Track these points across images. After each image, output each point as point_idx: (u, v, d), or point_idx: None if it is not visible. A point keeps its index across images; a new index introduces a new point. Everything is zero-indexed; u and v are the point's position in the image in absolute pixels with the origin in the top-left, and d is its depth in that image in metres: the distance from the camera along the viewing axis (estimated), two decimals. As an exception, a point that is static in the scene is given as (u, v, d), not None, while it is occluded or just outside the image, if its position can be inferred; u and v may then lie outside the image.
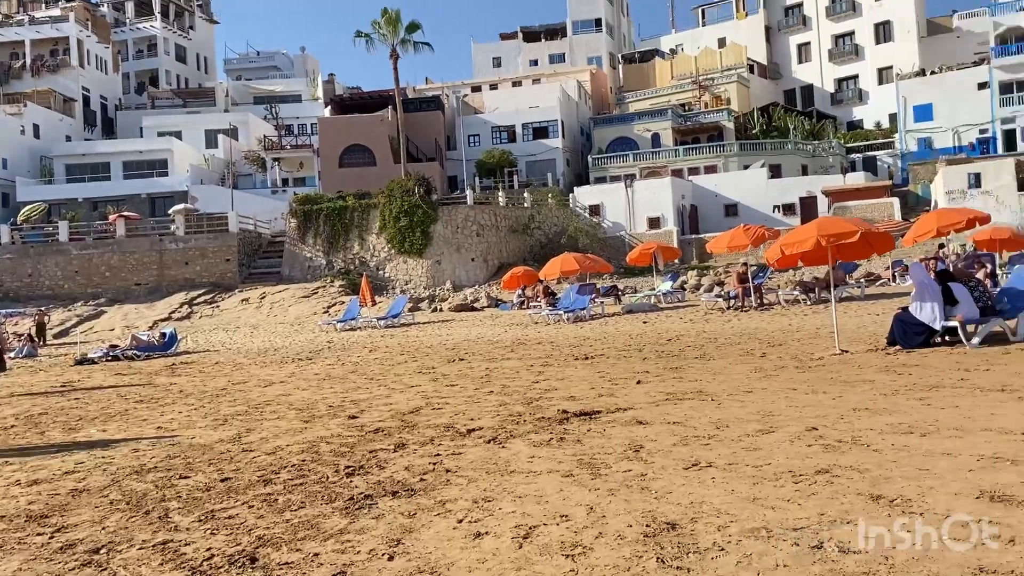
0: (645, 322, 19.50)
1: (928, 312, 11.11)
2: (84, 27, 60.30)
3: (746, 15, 67.08)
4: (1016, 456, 5.60)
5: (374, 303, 30.35)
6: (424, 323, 27.13)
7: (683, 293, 27.91)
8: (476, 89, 65.19)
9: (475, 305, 33.76)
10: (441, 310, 33.68)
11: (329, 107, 55.67)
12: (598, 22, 69.67)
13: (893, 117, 55.52)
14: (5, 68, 58.99)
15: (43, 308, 33.35)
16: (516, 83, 65.43)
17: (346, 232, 42.77)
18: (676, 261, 34.99)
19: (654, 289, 28.21)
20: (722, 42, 65.92)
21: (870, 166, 52.94)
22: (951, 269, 11.92)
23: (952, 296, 11.12)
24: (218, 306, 37.75)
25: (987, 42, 52.07)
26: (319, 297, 37.80)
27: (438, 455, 7.15)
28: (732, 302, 20.30)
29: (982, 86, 50.56)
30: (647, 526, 4.84)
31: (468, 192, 44.34)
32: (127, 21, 69.86)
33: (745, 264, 21.56)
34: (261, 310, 36.18)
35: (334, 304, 36.14)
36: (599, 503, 5.35)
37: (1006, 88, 49.93)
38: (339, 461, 7.16)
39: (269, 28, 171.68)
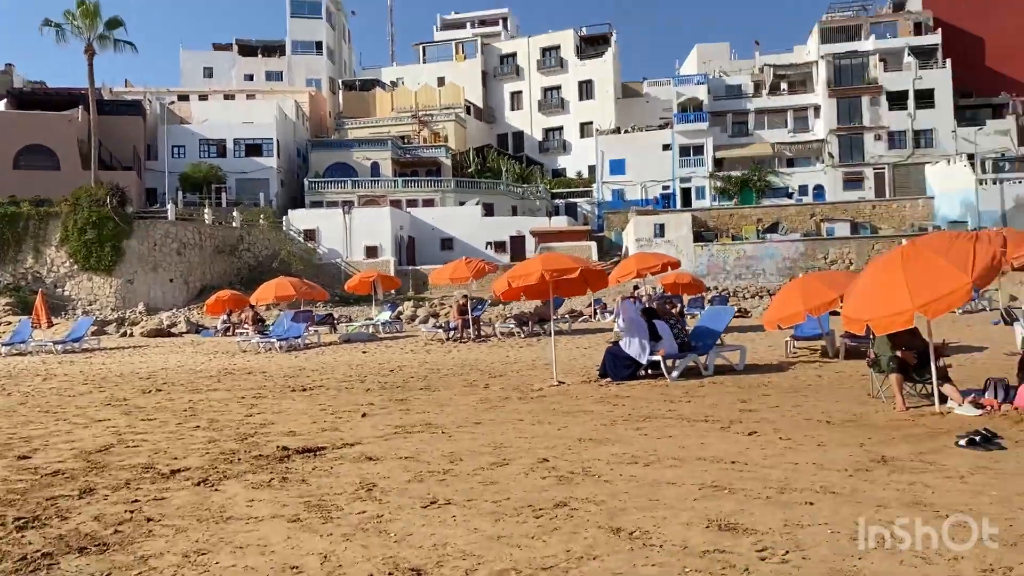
0: (365, 352, 18.99)
1: (636, 347, 11.88)
2: None
3: (464, 58, 69.82)
4: (731, 484, 5.95)
5: (50, 324, 26.63)
6: (112, 349, 24.24)
7: (401, 323, 27.77)
8: (184, 98, 60.83)
9: (172, 330, 30.89)
10: (132, 335, 30.40)
11: (5, 100, 48.70)
12: (319, 45, 68.54)
13: (592, 168, 60.61)
14: None
15: None
16: (229, 96, 62.10)
17: (18, 243, 37.41)
18: (394, 291, 34.89)
19: (372, 319, 27.79)
20: (441, 81, 67.92)
21: (572, 211, 57.18)
22: (656, 307, 12.91)
23: (656, 332, 12.00)
24: None
25: (671, 108, 58.89)
26: (-21, 316, 32.47)
27: (136, 501, 6.13)
28: (452, 333, 20.49)
29: (666, 147, 57.03)
30: (390, 574, 4.41)
31: (170, 206, 40.91)
32: None
33: (465, 296, 21.94)
34: (-101, 329, 30.22)
35: (-1, 324, 31.20)
36: (334, 550, 4.82)
37: (685, 151, 56.78)
38: (6, 512, 5.87)
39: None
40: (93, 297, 37.14)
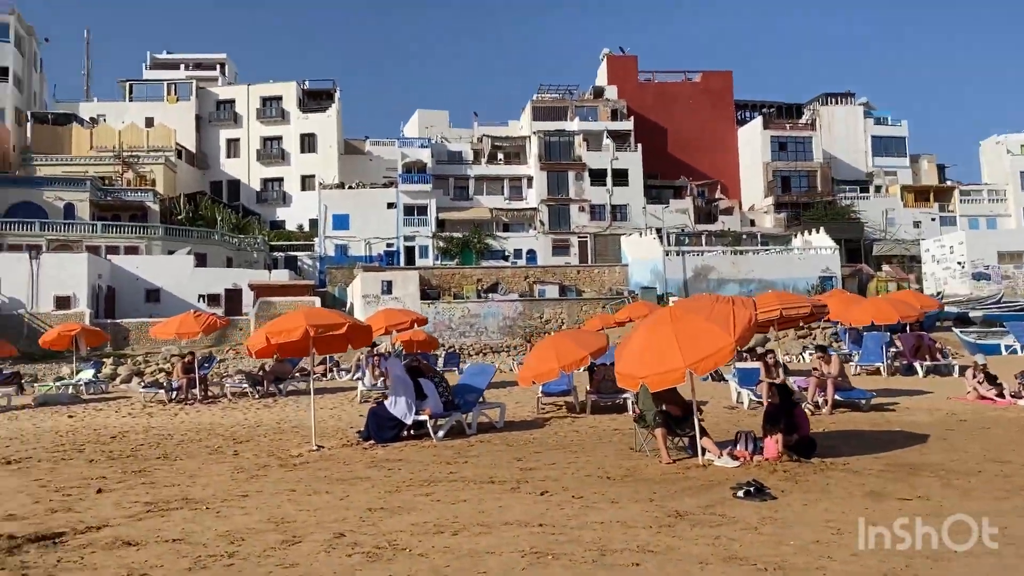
0: (71, 416, 16.51)
1: (402, 406, 11.54)
2: None
3: (177, 99, 65.66)
4: (551, 550, 5.85)
5: None
6: None
7: (106, 383, 24.73)
8: None
9: None
10: None
11: None
12: (4, 71, 60.61)
13: (314, 222, 59.37)
14: None
15: None
16: None
17: None
18: (109, 346, 31.19)
19: (68, 378, 24.48)
20: (150, 121, 63.12)
21: (292, 265, 55.39)
22: (419, 365, 12.66)
23: (422, 391, 11.77)
24: None
25: (396, 168, 59.74)
26: None
27: None
28: (175, 393, 18.55)
29: (391, 205, 57.59)
30: None
31: None
32: None
33: (191, 353, 20.04)
34: None
35: None
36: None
37: (409, 210, 57.73)
38: None
39: None
40: None
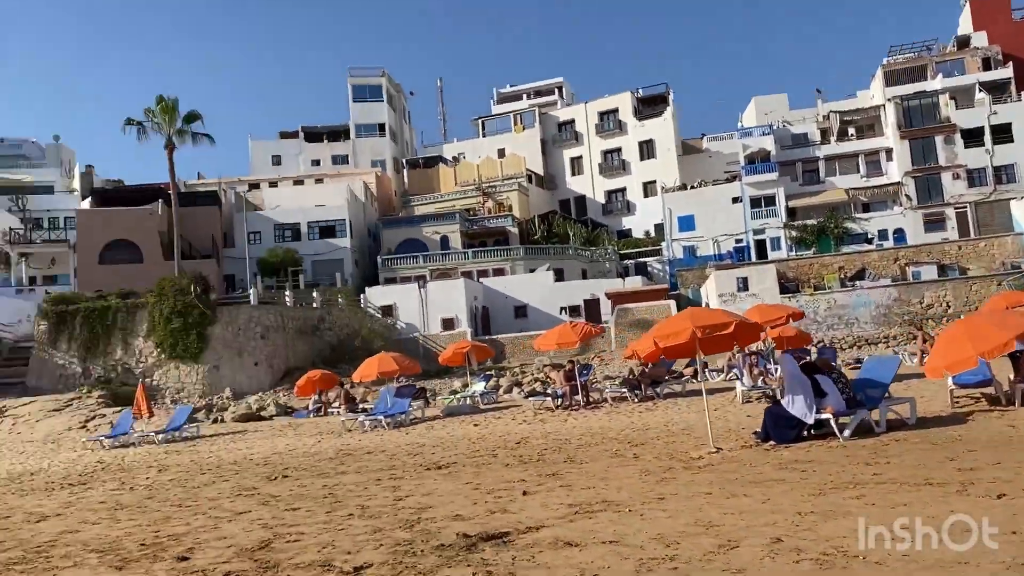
0: (476, 425, 18.26)
1: (800, 405, 10.93)
2: None
3: (523, 128, 70.45)
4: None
5: (151, 415, 26.56)
6: (211, 436, 24.00)
7: (497, 394, 27.06)
8: (255, 186, 62.47)
9: (262, 414, 30.70)
10: (223, 420, 30.29)
11: (89, 199, 50.43)
12: (381, 127, 70.01)
13: (659, 227, 59.86)
14: None
15: None
16: (298, 182, 63.55)
17: (107, 335, 38.02)
18: (489, 360, 34.41)
19: (460, 390, 27.19)
20: (502, 152, 68.50)
21: (642, 271, 56.33)
22: (817, 362, 11.96)
23: (820, 388, 11.05)
24: (-64, 424, 31.51)
25: (736, 161, 58.13)
26: (74, 410, 32.74)
27: (345, 609, 5.44)
28: (560, 400, 19.68)
29: (736, 200, 56.09)
30: None
31: (252, 291, 41.34)
32: None
33: (572, 362, 21.18)
34: (2, 426, 30.63)
35: (93, 417, 31.39)
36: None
37: (756, 203, 55.74)
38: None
39: (16, 115, 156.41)
40: (181, 385, 37.35)
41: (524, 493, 9.30)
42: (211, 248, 49.14)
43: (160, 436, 23.07)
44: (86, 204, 49.79)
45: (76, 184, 57.51)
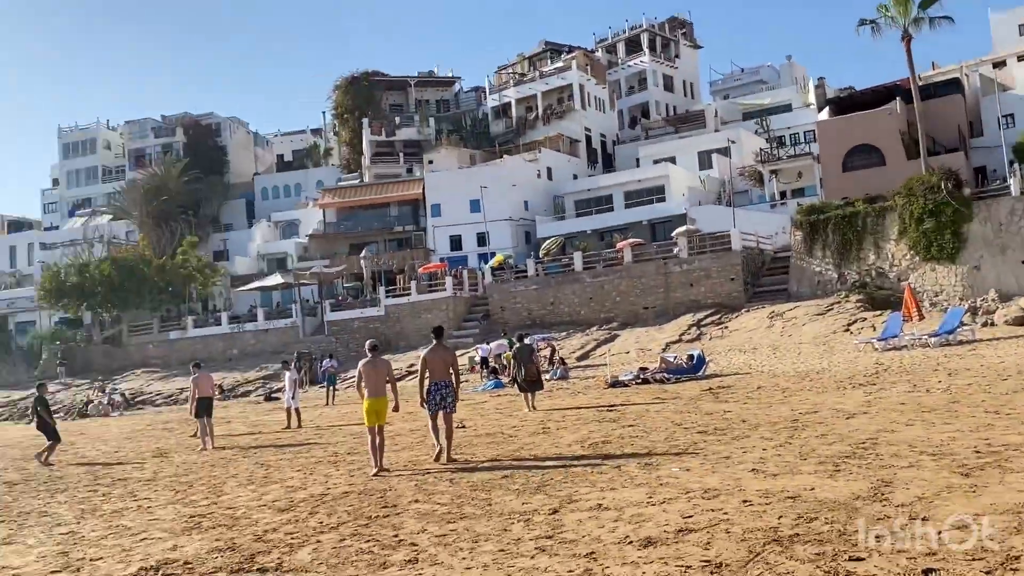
0: None
1: None
2: (584, 73, 65.28)
3: None
4: None
5: (921, 317, 25.82)
6: (989, 340, 22.12)
7: None
8: (998, 64, 55.17)
9: (1042, 317, 27.12)
10: (994, 324, 27.80)
11: (826, 110, 51.62)
12: None
13: None
14: (522, 121, 66.52)
15: (550, 337, 35.60)
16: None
17: (859, 241, 38.45)
18: None
19: None
20: None
21: None
22: None
23: None
24: (726, 327, 36.43)
25: None
26: (835, 314, 34.17)
27: None
28: None
29: None
30: None
31: (1011, 181, 36.71)
32: (619, 61, 74.23)
33: None
34: (773, 330, 33.88)
35: (855, 320, 32.25)
36: None
37: None
38: None
39: (751, 43, 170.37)
40: (938, 288, 35.61)
41: None
42: (956, 140, 45.33)
43: (934, 339, 22.26)
44: (823, 115, 51.03)
45: (811, 98, 59.59)
